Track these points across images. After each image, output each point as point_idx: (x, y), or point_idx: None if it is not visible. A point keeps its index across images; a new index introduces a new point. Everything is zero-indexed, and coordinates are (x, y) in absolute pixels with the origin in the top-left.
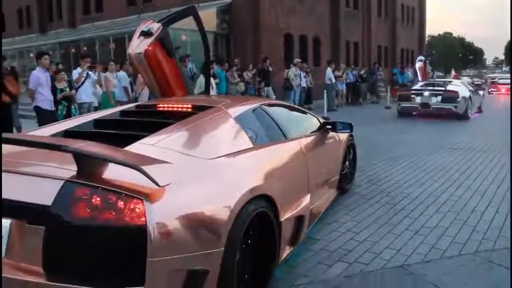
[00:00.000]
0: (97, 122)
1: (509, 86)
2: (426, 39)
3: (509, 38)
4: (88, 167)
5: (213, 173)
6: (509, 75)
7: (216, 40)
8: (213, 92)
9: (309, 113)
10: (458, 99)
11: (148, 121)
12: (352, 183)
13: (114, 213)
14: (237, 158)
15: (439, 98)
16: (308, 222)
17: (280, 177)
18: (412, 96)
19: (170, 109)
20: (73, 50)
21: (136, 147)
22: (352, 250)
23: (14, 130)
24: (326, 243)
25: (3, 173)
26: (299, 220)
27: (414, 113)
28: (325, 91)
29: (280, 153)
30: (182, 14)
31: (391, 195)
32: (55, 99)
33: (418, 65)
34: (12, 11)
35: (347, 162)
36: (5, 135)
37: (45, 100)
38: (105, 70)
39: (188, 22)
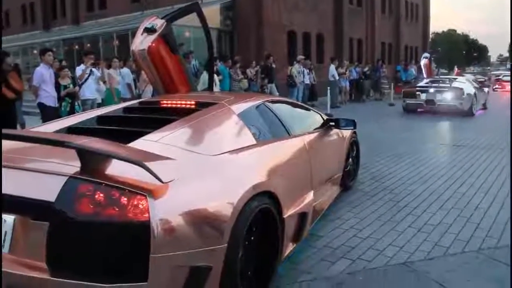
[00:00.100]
0: (100, 119)
1: None
2: (430, 36)
3: None
4: (92, 163)
5: (216, 169)
6: None
7: (219, 36)
8: (216, 89)
9: (312, 110)
10: (463, 96)
11: (152, 118)
12: (355, 180)
13: (117, 209)
14: (240, 154)
15: (444, 95)
16: (311, 219)
17: (283, 173)
18: (417, 93)
19: (173, 105)
20: (76, 47)
21: (140, 144)
22: (355, 247)
23: (18, 126)
24: (329, 240)
25: (7, 169)
26: (302, 216)
27: (419, 109)
28: (328, 88)
29: (284, 150)
30: (185, 10)
31: (395, 192)
32: (59, 96)
33: (423, 62)
34: (16, 8)
35: (350, 159)
36: (9, 131)
37: (49, 96)
38: (109, 67)
39: (192, 19)
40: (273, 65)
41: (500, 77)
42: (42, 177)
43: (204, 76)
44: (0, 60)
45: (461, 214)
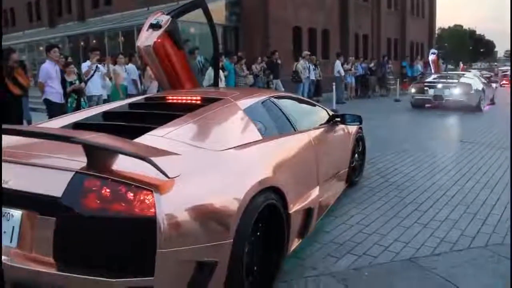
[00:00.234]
0: (106, 114)
1: None
2: (436, 31)
3: None
4: (98, 158)
5: (222, 165)
6: None
7: (225, 32)
8: (221, 84)
9: (318, 105)
10: (471, 92)
11: (157, 113)
12: (361, 176)
13: (124, 205)
14: (246, 150)
15: (452, 90)
16: (317, 215)
17: (289, 169)
18: (425, 88)
19: (179, 101)
20: (82, 43)
21: (146, 139)
22: (361, 243)
23: (25, 122)
24: (335, 236)
25: (14, 165)
26: (308, 212)
27: (427, 105)
28: (333, 84)
29: (289, 145)
30: (191, 6)
31: (400, 188)
32: (65, 92)
33: (431, 57)
34: (22, 5)
35: (356, 155)
36: (15, 127)
37: (55, 93)
38: (115, 63)
39: (197, 15)
40: (279, 61)
41: (507, 72)
42: (49, 172)
43: (210, 72)
44: (6, 56)
45: (467, 210)
